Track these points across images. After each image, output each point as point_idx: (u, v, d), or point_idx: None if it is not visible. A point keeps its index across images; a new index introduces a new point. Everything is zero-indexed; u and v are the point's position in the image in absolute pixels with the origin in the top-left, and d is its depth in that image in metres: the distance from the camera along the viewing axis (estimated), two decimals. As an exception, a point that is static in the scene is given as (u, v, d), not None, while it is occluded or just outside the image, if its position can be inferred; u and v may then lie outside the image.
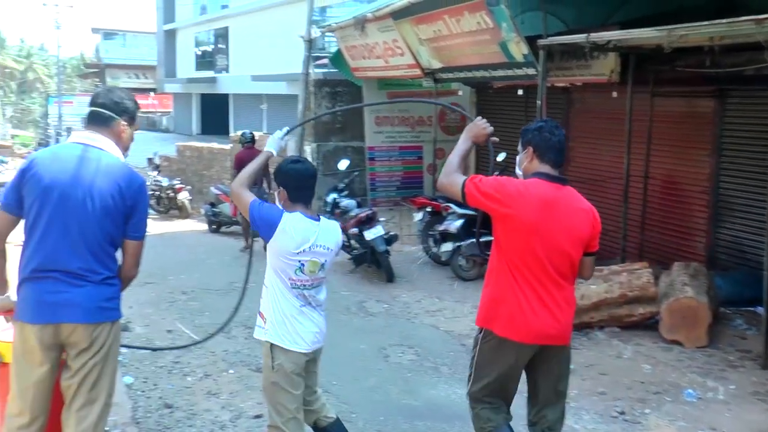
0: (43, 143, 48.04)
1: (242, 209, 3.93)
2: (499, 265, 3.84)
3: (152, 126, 50.54)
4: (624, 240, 9.58)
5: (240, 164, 12.11)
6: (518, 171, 4.04)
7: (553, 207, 3.73)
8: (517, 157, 4.06)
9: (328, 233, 3.94)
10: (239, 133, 19.04)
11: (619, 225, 9.69)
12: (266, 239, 3.82)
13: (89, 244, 3.45)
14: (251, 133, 13.17)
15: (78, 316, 3.41)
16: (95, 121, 3.61)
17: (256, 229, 3.85)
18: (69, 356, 3.48)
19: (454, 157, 4.01)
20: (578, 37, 7.85)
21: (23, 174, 3.48)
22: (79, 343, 3.44)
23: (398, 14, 10.87)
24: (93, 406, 3.50)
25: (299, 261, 3.79)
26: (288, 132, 4.26)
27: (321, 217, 4.01)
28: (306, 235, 3.80)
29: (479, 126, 4.13)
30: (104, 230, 3.47)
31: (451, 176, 3.90)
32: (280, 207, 3.92)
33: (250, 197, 3.86)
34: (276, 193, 3.99)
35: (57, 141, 40.95)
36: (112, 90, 3.76)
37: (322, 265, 3.88)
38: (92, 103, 3.64)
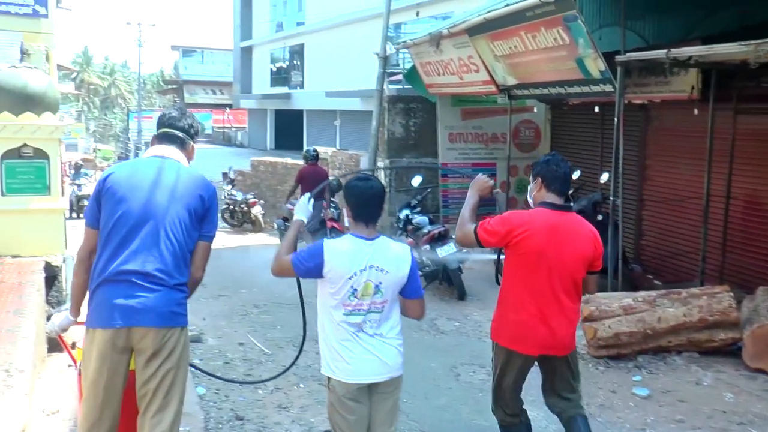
0: (122, 157, 49.49)
1: (287, 273, 3.80)
2: (509, 286, 4.34)
3: (227, 141, 51.57)
4: (703, 262, 9.27)
5: (301, 179, 13.00)
6: (529, 199, 4.46)
7: (557, 232, 4.17)
8: (529, 187, 4.48)
9: (385, 254, 3.73)
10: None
11: (698, 246, 9.40)
12: (321, 277, 3.70)
13: (171, 249, 3.57)
14: (315, 150, 13.46)
15: (152, 321, 3.50)
16: (170, 139, 3.85)
17: (311, 278, 3.75)
18: (139, 362, 3.56)
19: (465, 211, 4.44)
20: (658, 53, 7.67)
21: (101, 186, 3.66)
22: (149, 348, 3.52)
23: (474, 30, 10.81)
24: (166, 412, 3.58)
25: (351, 286, 3.66)
26: (310, 198, 4.15)
27: (382, 236, 3.83)
28: (356, 256, 3.68)
29: (482, 181, 4.52)
30: (187, 234, 3.64)
31: (464, 227, 4.33)
32: (345, 223, 3.86)
33: (287, 260, 3.76)
34: (344, 210, 3.93)
35: (136, 155, 42.13)
36: (184, 113, 3.97)
37: (377, 287, 3.69)
38: (167, 125, 3.88)
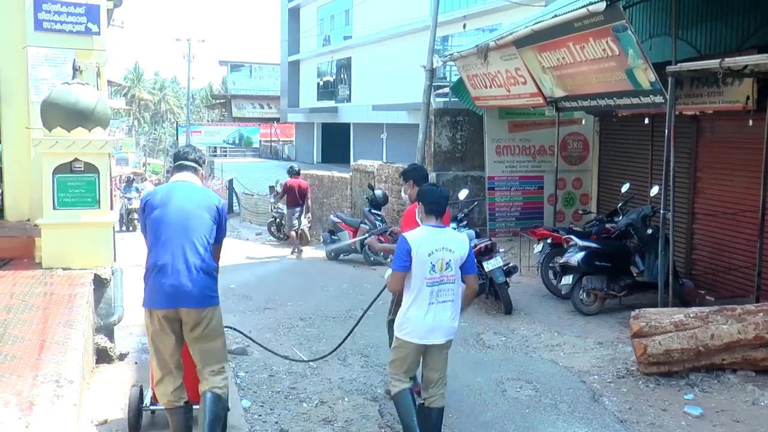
0: (170, 170, 50.24)
1: (401, 280, 5.08)
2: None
3: (275, 155, 52.02)
4: (759, 277, 8.97)
5: (288, 189, 15.84)
6: (417, 218, 5.39)
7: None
8: (417, 209, 5.39)
9: (453, 239, 5.10)
10: (359, 161, 19.35)
11: (753, 261, 9.11)
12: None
13: (200, 244, 4.72)
14: (298, 167, 16.58)
15: (191, 302, 4.66)
16: (187, 168, 5.09)
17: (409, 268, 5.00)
18: (185, 333, 4.75)
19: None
20: (710, 63, 7.50)
21: (144, 208, 4.89)
22: (189, 324, 4.70)
23: (521, 42, 10.74)
24: (208, 366, 4.80)
25: (431, 262, 4.97)
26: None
27: (448, 227, 5.28)
28: (433, 241, 5.01)
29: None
30: (208, 233, 4.80)
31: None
32: (418, 218, 5.29)
33: (394, 273, 5.12)
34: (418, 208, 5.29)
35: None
36: (194, 149, 5.24)
37: (448, 263, 5.01)
38: (183, 158, 5.11)
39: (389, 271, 5.47)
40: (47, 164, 6.88)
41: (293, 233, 15.94)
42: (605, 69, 9.19)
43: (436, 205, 5.13)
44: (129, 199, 22.94)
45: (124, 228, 22.71)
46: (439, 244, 4.99)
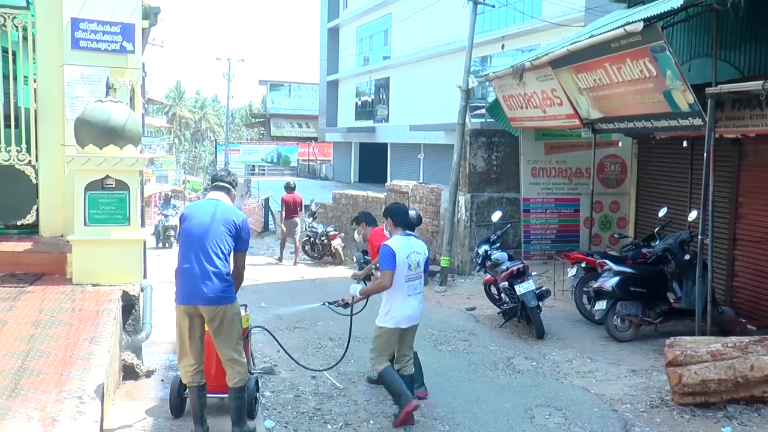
0: (208, 188, 50.70)
1: (385, 279, 6.27)
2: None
3: (312, 174, 52.19)
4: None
5: (285, 202, 18.29)
6: (386, 232, 6.88)
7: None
8: (384, 224, 6.82)
9: (418, 243, 6.55)
10: (394, 182, 19.32)
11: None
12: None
13: (216, 252, 5.50)
14: (293, 183, 18.81)
15: (206, 301, 5.46)
16: (221, 189, 5.91)
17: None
18: (206, 324, 5.58)
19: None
20: (753, 84, 7.32)
21: (180, 219, 5.78)
22: (207, 317, 5.52)
23: (557, 62, 10.62)
24: (226, 353, 5.59)
25: (408, 262, 6.30)
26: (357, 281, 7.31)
27: (411, 235, 6.61)
28: (407, 245, 6.39)
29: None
30: (225, 243, 5.57)
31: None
32: (387, 233, 6.70)
33: (384, 273, 6.27)
34: (384, 222, 6.68)
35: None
36: (229, 173, 6.13)
37: (419, 263, 6.41)
38: (219, 180, 5.96)
39: (357, 287, 6.76)
40: (79, 181, 6.92)
41: (293, 239, 18.43)
42: (643, 90, 9.03)
43: (401, 218, 6.55)
44: (166, 216, 23.10)
45: (160, 245, 22.89)
46: (411, 248, 6.37)
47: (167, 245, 22.80)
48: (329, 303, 7.16)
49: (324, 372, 7.82)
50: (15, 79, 8.19)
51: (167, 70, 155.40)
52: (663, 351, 7.11)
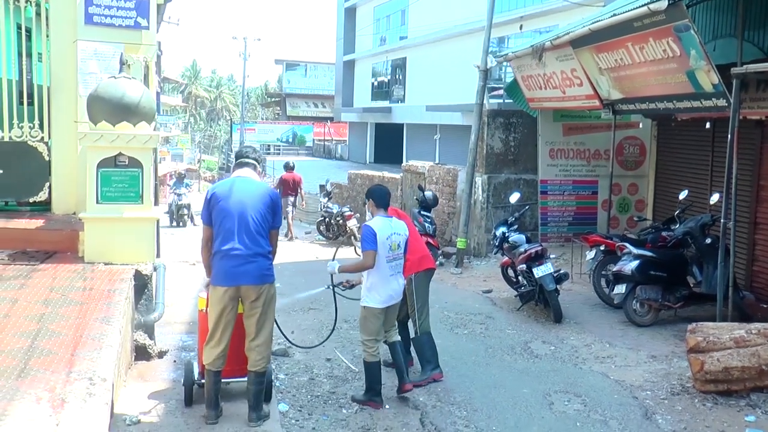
0: (224, 167, 50.69)
1: (368, 259, 6.26)
2: None
3: (327, 154, 52.13)
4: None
5: (283, 182, 18.81)
6: (368, 214, 6.72)
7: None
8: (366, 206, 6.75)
9: (399, 225, 6.55)
10: (410, 162, 19.17)
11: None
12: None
13: (259, 231, 5.51)
14: (293, 164, 19.43)
15: (253, 280, 5.48)
16: (246, 165, 5.87)
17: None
18: (246, 307, 5.56)
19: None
20: (780, 65, 7.11)
21: (209, 200, 5.62)
22: (251, 298, 5.51)
23: (578, 42, 10.41)
24: (261, 334, 5.60)
25: (389, 243, 6.33)
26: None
27: (392, 217, 6.56)
28: (388, 227, 6.40)
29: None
30: (266, 220, 5.58)
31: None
32: (368, 214, 6.64)
33: (366, 253, 6.27)
34: (366, 203, 6.69)
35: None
36: (254, 149, 6.09)
37: (399, 244, 6.43)
38: (244, 156, 5.91)
39: (335, 263, 6.55)
40: (92, 158, 6.84)
41: (289, 219, 18.97)
42: (665, 71, 8.82)
43: (382, 200, 6.53)
44: (179, 195, 23.03)
45: (174, 224, 22.85)
46: (391, 230, 6.40)
47: (181, 224, 22.76)
48: (333, 286, 6.97)
49: (339, 355, 7.75)
50: (30, 56, 8.12)
51: (183, 49, 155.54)
52: (683, 336, 6.96)
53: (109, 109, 6.78)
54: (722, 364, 6.40)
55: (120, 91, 6.85)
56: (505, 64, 15.44)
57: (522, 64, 12.92)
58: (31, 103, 7.98)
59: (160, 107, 50.19)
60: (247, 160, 5.88)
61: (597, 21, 9.65)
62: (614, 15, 9.04)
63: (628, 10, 8.67)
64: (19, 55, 8.13)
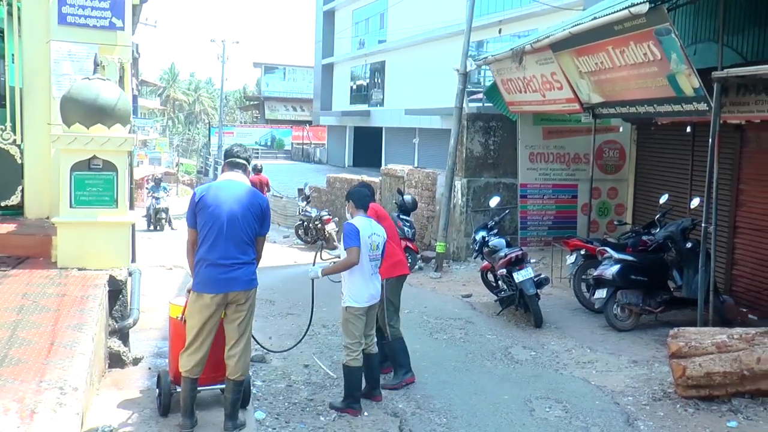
0: (202, 171, 50.37)
1: (353, 255, 6.19)
2: None
3: (306, 157, 51.95)
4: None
5: (252, 184, 17.59)
6: (348, 216, 6.68)
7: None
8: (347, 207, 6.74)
9: (378, 226, 6.54)
10: (389, 166, 19.09)
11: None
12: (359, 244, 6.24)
13: (245, 240, 5.39)
14: (261, 166, 19.41)
15: (242, 286, 5.38)
16: (237, 166, 5.67)
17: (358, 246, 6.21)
18: (230, 311, 5.44)
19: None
20: (762, 68, 7.09)
21: (196, 203, 5.43)
22: (240, 301, 5.42)
23: (558, 45, 10.37)
24: (242, 339, 5.49)
25: (370, 242, 6.32)
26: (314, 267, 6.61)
27: (371, 218, 6.55)
28: (369, 227, 6.40)
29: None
30: (253, 229, 5.46)
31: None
32: (348, 215, 6.61)
33: (351, 251, 6.19)
34: (346, 205, 6.68)
35: (216, 169, 42.73)
36: (244, 148, 5.82)
37: (378, 245, 6.43)
38: (235, 156, 5.67)
39: (316, 268, 6.47)
40: (65, 161, 6.68)
41: None
42: (646, 74, 8.80)
43: (361, 201, 6.52)
44: (157, 198, 22.84)
45: (152, 228, 22.63)
46: (372, 230, 6.40)
47: (159, 228, 22.57)
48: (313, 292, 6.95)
49: (317, 361, 7.65)
50: (2, 57, 7.95)
51: (161, 51, 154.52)
52: (664, 341, 6.93)
53: (82, 111, 6.63)
54: (704, 369, 6.37)
55: (94, 92, 6.70)
56: (484, 67, 15.38)
57: (502, 67, 12.88)
58: (2, 105, 7.81)
59: (138, 110, 49.77)
60: (237, 160, 5.67)
61: (577, 24, 9.62)
62: (595, 18, 9.00)
63: (609, 14, 8.65)
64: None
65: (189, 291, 5.54)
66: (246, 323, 5.50)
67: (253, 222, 5.43)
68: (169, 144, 69.88)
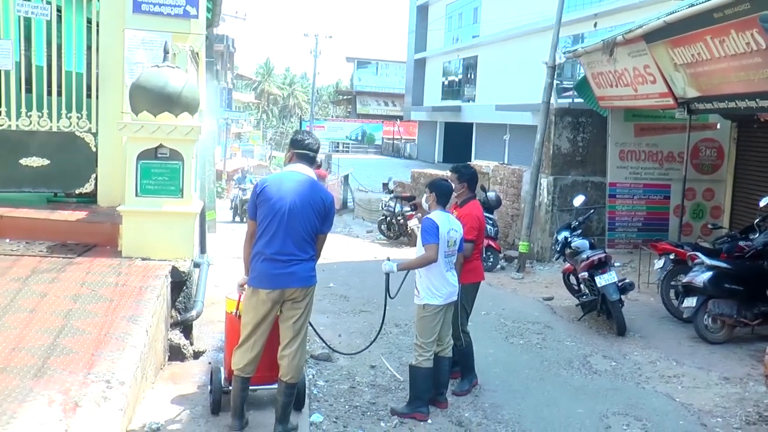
0: (290, 158, 51.04)
1: (431, 252, 5.98)
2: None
3: (396, 152, 51.96)
4: None
5: None
6: (425, 205, 6.45)
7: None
8: (424, 197, 6.52)
9: (456, 222, 6.31)
10: (475, 162, 18.68)
11: None
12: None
13: (305, 237, 5.15)
14: (321, 160, 18.00)
15: (299, 283, 5.14)
16: (305, 158, 5.38)
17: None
18: (286, 308, 5.20)
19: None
20: None
21: (258, 194, 5.21)
22: (297, 299, 5.17)
23: (652, 36, 9.79)
24: (296, 339, 5.21)
25: (447, 238, 6.07)
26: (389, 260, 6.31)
27: (449, 213, 6.36)
28: (447, 222, 6.15)
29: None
30: (313, 227, 5.20)
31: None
32: (426, 206, 6.36)
33: (429, 247, 5.99)
34: (425, 196, 6.42)
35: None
36: (312, 135, 5.56)
37: (455, 240, 6.19)
38: (303, 146, 5.38)
39: (391, 264, 6.21)
40: (132, 149, 6.60)
41: None
42: (748, 66, 8.17)
43: (445, 198, 6.30)
44: (243, 190, 23.16)
45: (237, 219, 22.90)
46: (450, 225, 6.16)
47: (243, 219, 22.81)
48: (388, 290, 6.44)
49: (384, 362, 7.38)
50: (97, 49, 7.99)
51: (257, 46, 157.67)
52: (761, 357, 6.36)
53: (150, 98, 6.53)
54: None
55: (162, 80, 6.60)
56: (576, 61, 14.83)
57: (592, 60, 12.32)
58: (89, 96, 7.88)
59: (232, 103, 50.82)
60: (305, 152, 5.38)
61: (674, 12, 9.03)
62: (692, 5, 8.42)
63: (708, 0, 8.06)
64: (89, 48, 8.01)
65: (241, 285, 5.37)
66: (302, 322, 5.23)
67: (314, 219, 5.17)
68: (263, 137, 71.17)
